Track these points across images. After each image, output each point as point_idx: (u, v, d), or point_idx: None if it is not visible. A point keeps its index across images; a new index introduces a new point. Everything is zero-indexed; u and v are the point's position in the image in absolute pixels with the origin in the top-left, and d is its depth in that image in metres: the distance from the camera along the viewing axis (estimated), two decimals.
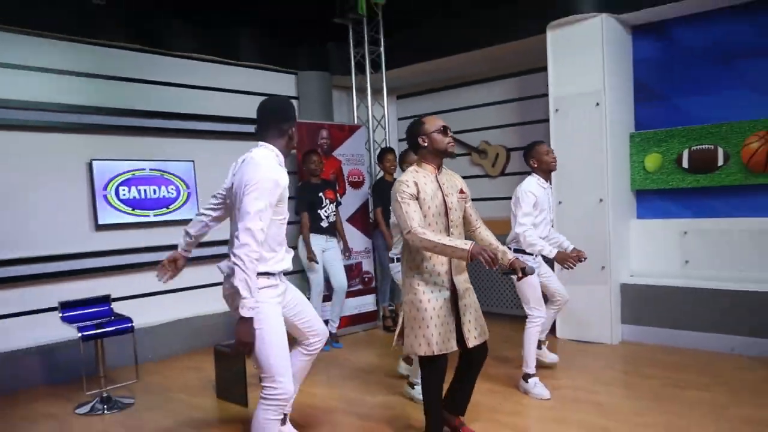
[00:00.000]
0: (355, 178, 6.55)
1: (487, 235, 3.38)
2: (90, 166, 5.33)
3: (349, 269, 6.16)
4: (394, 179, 4.70)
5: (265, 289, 2.81)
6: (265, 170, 2.74)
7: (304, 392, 4.40)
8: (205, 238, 3.16)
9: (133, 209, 5.55)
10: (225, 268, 2.91)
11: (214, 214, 3.23)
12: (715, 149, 5.23)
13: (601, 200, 5.33)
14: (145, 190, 5.62)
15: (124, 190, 5.49)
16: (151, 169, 5.65)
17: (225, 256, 3.02)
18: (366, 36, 6.80)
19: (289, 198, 3.05)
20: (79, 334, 4.27)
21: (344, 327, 6.13)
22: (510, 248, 4.11)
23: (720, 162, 5.21)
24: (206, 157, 6.01)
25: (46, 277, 5.09)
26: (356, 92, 7.09)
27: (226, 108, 6.16)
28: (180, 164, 5.84)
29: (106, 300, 4.76)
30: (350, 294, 6.16)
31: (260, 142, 2.93)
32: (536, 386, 4.20)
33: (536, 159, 4.35)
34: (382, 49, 6.82)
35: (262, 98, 3.13)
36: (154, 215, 5.67)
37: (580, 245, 4.58)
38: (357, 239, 6.36)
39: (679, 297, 5.16)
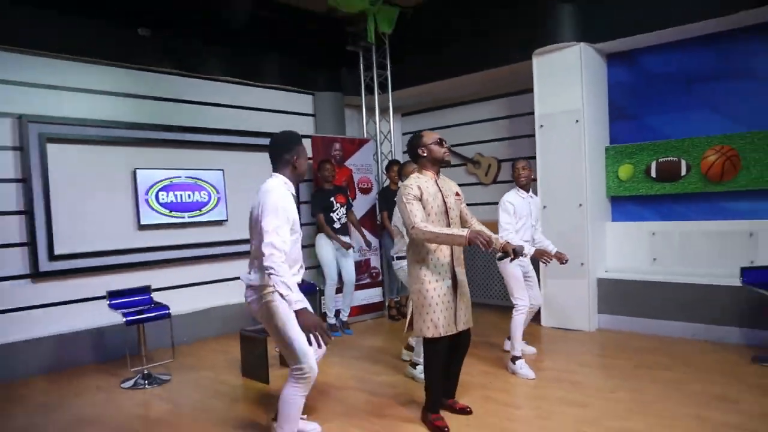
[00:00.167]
0: (364, 185, 6.62)
1: (481, 228, 3.46)
2: (134, 174, 5.42)
3: (358, 265, 6.23)
4: (398, 187, 4.78)
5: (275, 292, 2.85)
6: (275, 196, 2.85)
7: (320, 373, 4.40)
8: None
9: (170, 212, 5.63)
10: (245, 279, 3.01)
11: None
12: (679, 161, 5.28)
13: (580, 205, 5.38)
14: (181, 195, 5.70)
15: (163, 195, 5.57)
16: (186, 177, 5.74)
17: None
18: (374, 61, 6.86)
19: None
20: (124, 319, 4.36)
21: (354, 316, 6.18)
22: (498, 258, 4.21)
23: (683, 172, 5.25)
24: (234, 166, 6.10)
25: (97, 270, 5.19)
26: (366, 110, 7.15)
27: (252, 124, 6.24)
28: (211, 173, 5.92)
29: (146, 290, 4.84)
30: (359, 287, 6.23)
31: (273, 173, 3.04)
32: (522, 368, 4.25)
33: (513, 174, 4.50)
34: (388, 73, 6.89)
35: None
36: (189, 217, 5.75)
37: (562, 244, 4.65)
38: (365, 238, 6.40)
39: (648, 290, 5.20)
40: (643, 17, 5.06)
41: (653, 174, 5.41)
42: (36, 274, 4.86)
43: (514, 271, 4.36)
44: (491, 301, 6.72)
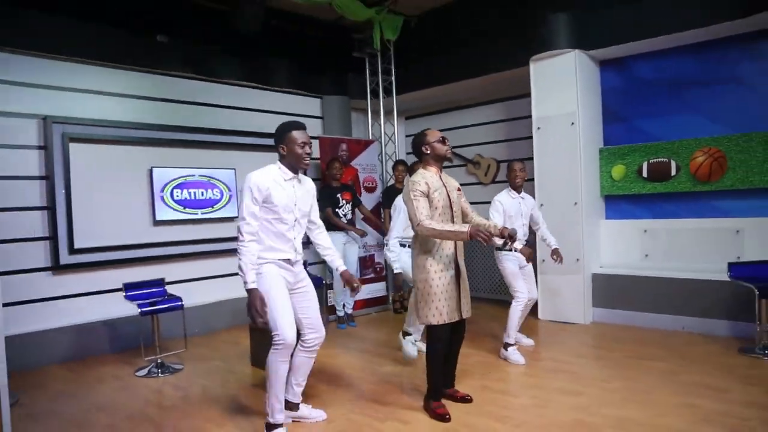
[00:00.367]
0: (369, 184, 6.57)
1: (480, 219, 3.46)
2: (150, 172, 5.39)
3: (363, 260, 6.19)
4: (403, 185, 4.75)
5: (267, 265, 2.98)
6: (247, 179, 2.95)
7: (326, 363, 4.47)
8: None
9: (184, 208, 5.60)
10: None
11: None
12: (669, 162, 5.23)
13: (576, 203, 5.33)
14: (194, 193, 5.67)
15: (177, 192, 5.54)
16: (200, 175, 5.70)
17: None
18: (380, 67, 6.84)
19: None
20: (139, 310, 4.33)
21: (359, 309, 6.15)
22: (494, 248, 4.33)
23: (673, 172, 5.21)
24: (246, 165, 6.00)
25: (114, 263, 5.15)
26: (371, 113, 7.12)
27: (263, 125, 6.20)
28: (224, 171, 5.89)
29: (160, 282, 4.81)
30: (364, 281, 6.18)
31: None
32: (514, 354, 4.25)
33: (508, 175, 4.49)
34: (393, 78, 6.86)
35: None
36: (202, 213, 5.72)
37: (559, 241, 4.60)
38: (370, 235, 6.38)
39: (640, 285, 5.15)
40: (633, 26, 5.04)
41: (645, 174, 5.35)
42: (57, 267, 4.83)
43: (510, 265, 4.38)
44: (490, 295, 6.68)
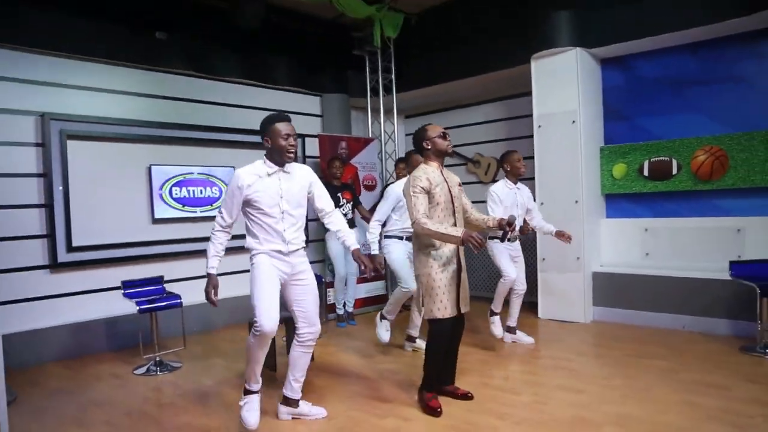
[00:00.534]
0: (369, 182, 6.58)
1: (479, 215, 3.49)
2: (149, 170, 5.39)
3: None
4: None
5: (259, 255, 3.06)
6: (234, 173, 3.07)
7: (325, 360, 4.48)
8: (238, 231, 3.20)
9: (183, 206, 5.60)
10: None
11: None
12: (670, 160, 5.24)
13: (576, 202, 5.34)
14: (193, 191, 5.67)
15: (176, 190, 5.54)
16: (198, 173, 5.70)
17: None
18: (380, 65, 6.84)
19: None
20: (137, 308, 4.32)
21: (359, 308, 6.14)
22: (488, 236, 4.43)
23: (674, 171, 5.22)
24: (245, 163, 5.87)
25: (112, 261, 5.15)
26: (371, 112, 7.12)
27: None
28: (223, 169, 5.88)
29: (159, 280, 4.80)
30: (362, 280, 6.19)
31: None
32: (494, 324, 4.53)
33: (509, 164, 4.53)
34: (393, 76, 6.86)
35: (292, 115, 3.28)
36: (201, 211, 5.71)
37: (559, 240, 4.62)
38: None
39: (641, 283, 5.15)
40: (635, 24, 5.04)
41: (646, 173, 5.36)
42: (54, 265, 4.83)
43: (501, 252, 4.51)
44: (490, 294, 6.62)
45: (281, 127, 3.05)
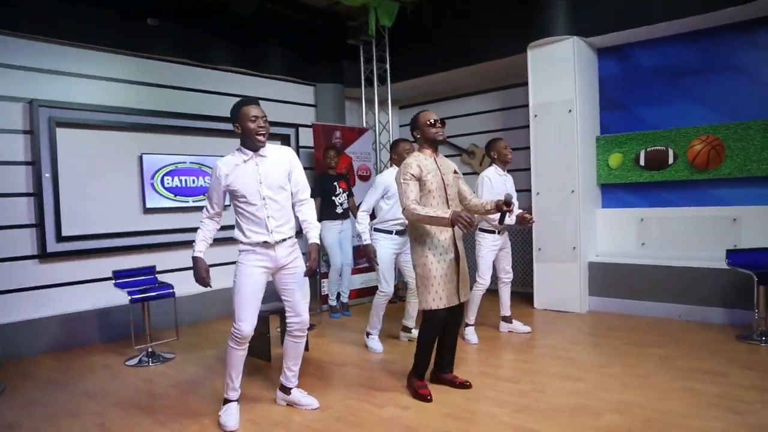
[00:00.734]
0: (363, 172, 6.52)
1: (478, 201, 3.41)
2: (140, 159, 5.30)
3: (356, 250, 6.13)
4: None
5: (242, 253, 3.03)
6: (214, 164, 3.03)
7: (320, 351, 4.44)
8: (231, 222, 3.13)
9: (175, 196, 5.52)
10: None
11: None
12: (666, 150, 5.22)
13: (572, 191, 5.30)
14: (185, 180, 5.59)
15: (168, 179, 5.46)
16: (191, 162, 5.62)
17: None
18: (374, 54, 6.77)
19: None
20: (129, 297, 4.25)
21: (353, 299, 6.09)
22: (477, 225, 4.41)
23: (670, 161, 5.20)
24: None
25: (103, 251, 5.06)
26: (365, 102, 7.05)
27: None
28: (215, 159, 5.68)
29: (151, 270, 4.72)
30: (357, 271, 6.14)
31: None
32: (469, 333, 4.45)
33: (496, 152, 4.50)
34: (388, 65, 6.79)
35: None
36: (193, 201, 5.63)
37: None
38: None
39: (637, 273, 5.14)
40: (631, 13, 5.01)
41: (642, 162, 5.34)
42: (44, 255, 4.73)
43: (487, 254, 4.47)
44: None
45: (248, 109, 2.98)
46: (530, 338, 4.59)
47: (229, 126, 5.71)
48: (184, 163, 5.57)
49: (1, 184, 4.56)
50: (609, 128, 5.63)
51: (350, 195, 5.79)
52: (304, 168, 3.25)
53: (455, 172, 3.40)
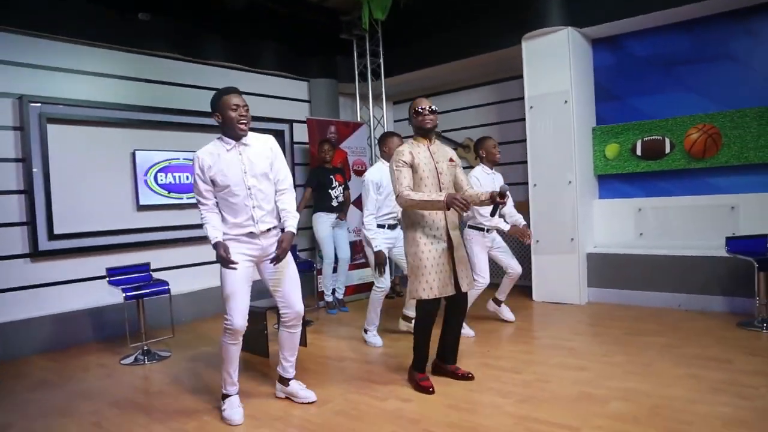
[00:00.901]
0: (358, 167, 6.45)
1: (473, 192, 3.32)
2: (133, 155, 5.21)
3: (353, 245, 6.06)
4: None
5: (227, 242, 2.91)
6: (195, 156, 2.90)
7: (318, 346, 4.37)
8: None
9: (169, 193, 5.43)
10: None
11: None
12: (663, 139, 5.19)
13: (570, 182, 5.25)
14: (179, 177, 5.49)
15: (161, 176, 5.37)
16: (184, 159, 5.52)
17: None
18: (368, 49, 6.69)
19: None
20: (123, 294, 4.15)
21: (350, 294, 6.02)
22: (466, 224, 4.37)
23: (667, 150, 5.17)
24: None
25: (96, 249, 4.96)
26: (359, 97, 6.97)
27: (249, 108, 6.05)
28: None
29: (146, 267, 4.62)
30: (354, 266, 6.07)
31: None
32: (464, 327, 4.21)
33: (485, 150, 4.46)
34: (381, 60, 6.72)
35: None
36: (187, 198, 5.53)
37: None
38: (360, 219, 6.24)
39: (635, 263, 5.10)
40: (626, 3, 4.97)
41: (639, 152, 5.31)
42: (35, 254, 4.63)
43: (479, 249, 4.39)
44: (494, 279, 6.57)
45: (229, 98, 2.90)
46: (530, 330, 4.54)
47: None
48: (177, 159, 5.48)
49: None
50: (605, 119, 5.59)
51: (346, 188, 5.72)
52: (300, 164, 3.21)
53: (451, 160, 3.34)
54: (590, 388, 3.12)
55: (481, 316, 4.85)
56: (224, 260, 2.82)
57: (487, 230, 4.41)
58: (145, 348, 4.28)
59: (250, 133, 2.97)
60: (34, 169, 4.60)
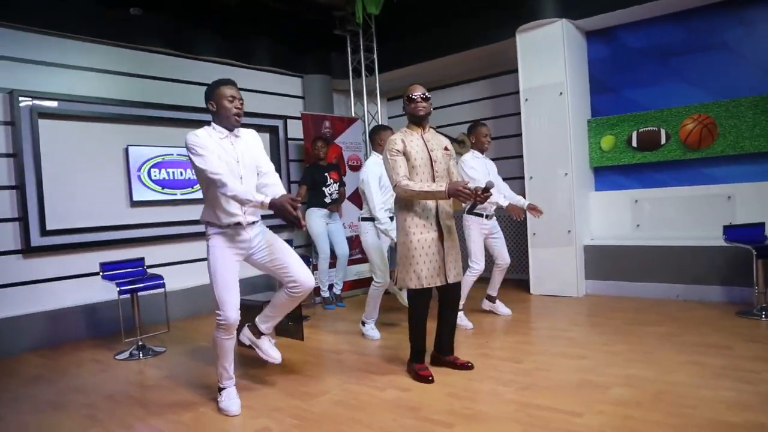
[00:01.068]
0: (353, 162, 6.39)
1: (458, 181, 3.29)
2: (126, 151, 5.14)
3: (349, 240, 5.99)
4: None
5: (212, 237, 2.87)
6: (189, 138, 2.80)
7: (315, 340, 4.32)
8: None
9: (162, 188, 5.36)
10: None
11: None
12: (658, 130, 5.16)
13: (566, 174, 5.22)
14: (173, 172, 5.43)
15: (155, 172, 5.30)
16: (178, 154, 5.45)
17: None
18: (361, 44, 6.65)
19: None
20: (117, 289, 4.08)
21: (347, 290, 5.96)
22: (464, 211, 4.36)
23: (662, 141, 5.14)
24: None
25: (89, 245, 4.88)
26: (353, 93, 6.92)
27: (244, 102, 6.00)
28: None
29: (140, 262, 4.56)
30: (351, 262, 6.00)
31: None
32: (460, 318, 4.19)
33: (475, 137, 4.45)
34: (375, 55, 6.68)
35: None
36: (181, 194, 5.47)
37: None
38: (356, 214, 6.17)
39: (633, 255, 5.06)
40: None
41: (634, 143, 5.28)
42: (28, 250, 4.55)
43: (477, 238, 4.36)
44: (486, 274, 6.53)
45: (226, 89, 2.87)
46: (528, 321, 4.49)
47: None
48: (171, 155, 5.41)
49: None
50: (600, 111, 5.56)
51: (342, 185, 5.66)
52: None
53: (446, 149, 3.29)
54: (592, 375, 3.07)
55: (478, 309, 4.81)
56: (288, 213, 2.61)
57: (487, 216, 4.37)
58: (140, 343, 4.21)
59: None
60: (22, 162, 4.50)
